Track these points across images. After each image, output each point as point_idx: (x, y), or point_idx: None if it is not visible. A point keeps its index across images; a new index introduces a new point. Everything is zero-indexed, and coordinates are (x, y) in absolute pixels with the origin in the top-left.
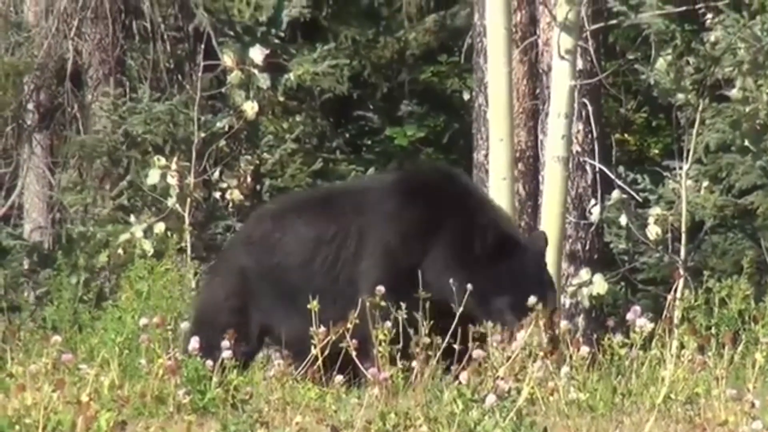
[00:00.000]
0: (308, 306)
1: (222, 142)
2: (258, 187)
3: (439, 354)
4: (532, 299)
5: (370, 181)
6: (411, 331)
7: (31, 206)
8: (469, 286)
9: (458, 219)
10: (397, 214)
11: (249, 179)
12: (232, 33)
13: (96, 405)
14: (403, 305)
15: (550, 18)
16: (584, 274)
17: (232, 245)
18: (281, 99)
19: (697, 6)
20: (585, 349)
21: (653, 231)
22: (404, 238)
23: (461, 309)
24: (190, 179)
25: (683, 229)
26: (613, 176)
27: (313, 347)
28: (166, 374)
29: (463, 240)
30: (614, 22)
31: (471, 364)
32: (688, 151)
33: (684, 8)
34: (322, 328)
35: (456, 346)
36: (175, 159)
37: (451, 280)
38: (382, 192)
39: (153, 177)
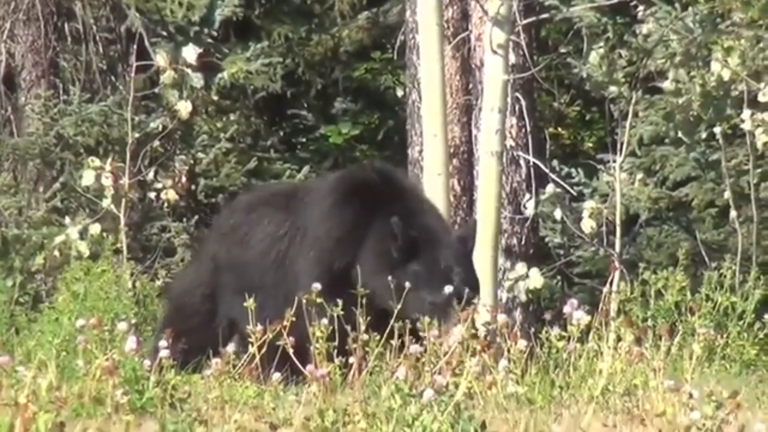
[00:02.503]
0: (261, 302)
1: (156, 143)
2: (193, 186)
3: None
4: (446, 292)
5: (320, 179)
6: (348, 329)
7: None
8: (391, 285)
9: (385, 218)
10: (330, 215)
11: (184, 179)
12: (164, 33)
13: (34, 407)
14: (338, 303)
15: (481, 13)
16: (520, 268)
17: (208, 233)
18: (215, 98)
19: None
20: (522, 343)
21: (588, 224)
22: (336, 239)
23: (390, 307)
24: (125, 180)
25: (618, 222)
26: (547, 170)
27: (250, 345)
28: (103, 375)
29: (386, 240)
30: (546, 16)
31: (408, 360)
32: (622, 143)
33: (616, 1)
34: (260, 327)
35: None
36: (109, 160)
37: (383, 280)
38: (321, 191)
39: (87, 178)
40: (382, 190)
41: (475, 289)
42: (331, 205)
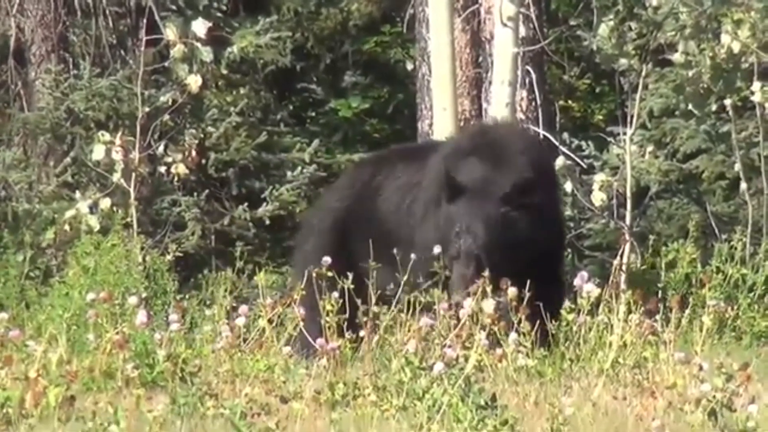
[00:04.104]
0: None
1: (166, 117)
2: (203, 160)
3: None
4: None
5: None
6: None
7: None
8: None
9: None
10: (435, 169)
11: (194, 153)
12: (174, 7)
13: (44, 381)
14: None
15: None
16: None
17: (327, 193)
18: (224, 72)
19: None
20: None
21: (598, 197)
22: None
23: None
24: (135, 154)
25: (628, 194)
26: (557, 143)
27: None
28: (114, 349)
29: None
30: None
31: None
32: (632, 116)
33: None
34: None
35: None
36: (119, 134)
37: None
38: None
39: (97, 153)
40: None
41: (482, 247)
42: (437, 160)
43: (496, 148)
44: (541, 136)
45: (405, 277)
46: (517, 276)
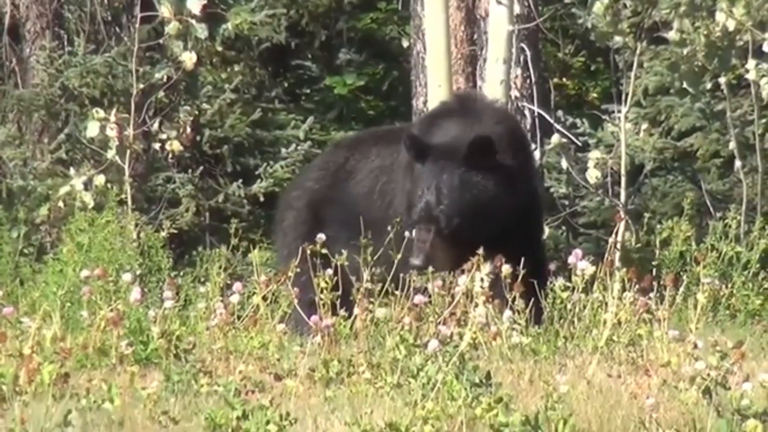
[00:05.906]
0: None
1: (161, 94)
2: (198, 137)
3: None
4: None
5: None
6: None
7: None
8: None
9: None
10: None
11: (188, 130)
12: None
13: (38, 358)
14: None
15: None
16: None
17: (305, 172)
18: (219, 49)
19: None
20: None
21: (593, 175)
22: (404, 166)
23: None
24: (130, 131)
25: (623, 172)
26: (552, 121)
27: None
28: (108, 326)
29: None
30: None
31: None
32: (627, 94)
33: None
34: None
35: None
36: (113, 111)
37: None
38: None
39: (92, 129)
40: (453, 114)
41: (442, 210)
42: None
43: (466, 113)
44: (536, 114)
45: (376, 257)
46: (491, 246)
